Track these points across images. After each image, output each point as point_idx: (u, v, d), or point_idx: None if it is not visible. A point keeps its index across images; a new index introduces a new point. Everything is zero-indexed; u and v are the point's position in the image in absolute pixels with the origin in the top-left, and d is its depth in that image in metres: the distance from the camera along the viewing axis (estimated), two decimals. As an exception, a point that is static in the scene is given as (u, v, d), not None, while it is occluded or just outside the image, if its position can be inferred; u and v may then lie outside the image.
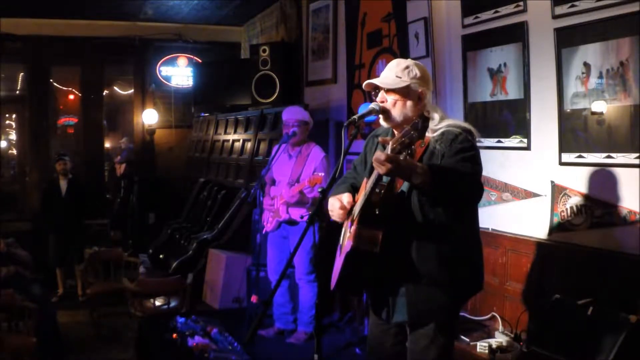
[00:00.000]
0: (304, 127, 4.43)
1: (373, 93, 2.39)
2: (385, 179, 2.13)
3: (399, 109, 2.30)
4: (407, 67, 2.32)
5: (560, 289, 3.18)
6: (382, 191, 2.15)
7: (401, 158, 1.93)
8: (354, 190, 2.50)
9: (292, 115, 4.41)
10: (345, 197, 2.39)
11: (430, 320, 2.29)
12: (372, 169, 2.31)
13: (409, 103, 2.30)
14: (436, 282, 2.23)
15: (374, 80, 2.33)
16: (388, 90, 2.31)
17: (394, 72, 2.32)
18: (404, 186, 2.23)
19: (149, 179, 8.37)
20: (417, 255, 2.22)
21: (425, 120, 1.89)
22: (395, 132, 2.37)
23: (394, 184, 2.20)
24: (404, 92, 2.30)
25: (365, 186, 2.23)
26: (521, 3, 3.56)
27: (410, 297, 2.27)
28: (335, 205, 2.40)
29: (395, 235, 2.19)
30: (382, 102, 2.33)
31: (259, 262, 4.35)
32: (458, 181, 2.11)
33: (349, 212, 2.40)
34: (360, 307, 4.61)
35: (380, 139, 2.24)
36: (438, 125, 2.26)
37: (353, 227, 2.22)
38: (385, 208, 2.16)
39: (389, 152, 1.93)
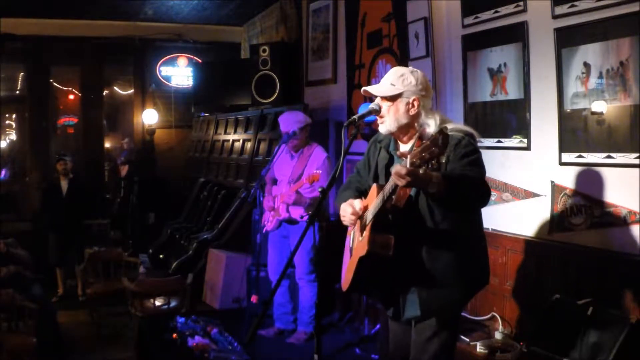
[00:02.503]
0: (303, 131, 4.42)
1: (370, 100, 2.48)
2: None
3: (392, 115, 2.38)
4: (402, 75, 2.39)
5: (560, 289, 3.18)
6: (395, 200, 2.24)
7: (421, 172, 1.98)
8: (360, 194, 2.57)
9: (288, 126, 4.37)
10: (358, 203, 2.44)
11: (441, 316, 2.38)
12: (377, 176, 2.48)
13: (401, 110, 2.37)
14: (446, 279, 2.32)
15: (369, 88, 2.43)
16: (383, 98, 2.40)
17: (389, 80, 2.40)
18: (412, 191, 2.30)
19: (149, 179, 8.37)
20: (428, 255, 2.31)
21: (445, 137, 1.93)
22: (397, 139, 2.46)
23: (405, 190, 2.26)
24: (397, 100, 2.37)
25: (377, 194, 2.30)
26: (521, 3, 3.56)
27: (421, 295, 2.35)
28: (348, 210, 2.45)
29: (405, 238, 2.27)
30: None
31: (259, 262, 4.35)
32: (470, 188, 2.20)
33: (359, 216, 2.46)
34: (361, 308, 4.62)
35: (398, 152, 2.37)
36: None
37: (366, 233, 2.29)
38: (397, 215, 2.24)
39: (407, 165, 1.98)
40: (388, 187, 2.19)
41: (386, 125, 2.40)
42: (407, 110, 2.36)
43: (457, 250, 2.32)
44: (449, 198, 2.14)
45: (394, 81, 2.38)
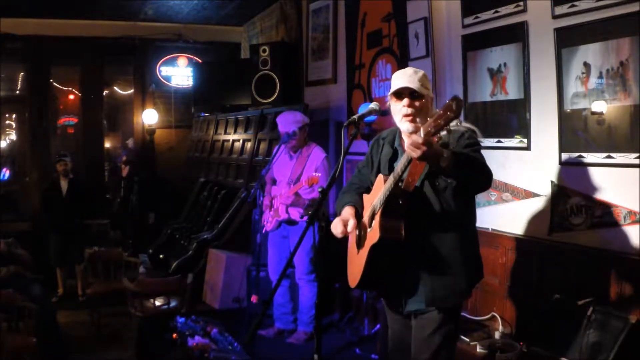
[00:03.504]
0: (302, 131, 4.42)
1: (393, 98, 2.44)
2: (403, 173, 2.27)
3: (424, 113, 2.41)
4: (424, 76, 2.46)
5: (560, 289, 3.18)
6: (405, 185, 2.30)
7: (435, 140, 2.05)
8: (360, 197, 2.59)
9: (287, 127, 4.38)
10: (351, 222, 2.47)
11: (445, 305, 2.41)
12: (379, 171, 2.52)
13: (429, 107, 2.45)
14: (451, 267, 2.38)
15: (413, 85, 2.39)
16: (415, 96, 2.40)
17: (416, 79, 2.41)
18: (417, 181, 2.36)
19: (149, 179, 8.37)
20: (433, 241, 2.38)
21: (459, 101, 1.97)
22: (403, 135, 2.49)
23: (412, 176, 2.32)
24: (427, 98, 2.43)
25: (384, 183, 2.35)
26: (521, 3, 3.56)
27: (427, 284, 2.40)
28: (338, 229, 2.50)
29: (412, 227, 2.32)
30: (409, 106, 2.39)
31: (259, 262, 4.35)
32: (476, 167, 2.26)
33: (359, 217, 2.51)
34: (361, 307, 4.62)
35: (412, 126, 2.37)
36: None
37: (376, 220, 2.33)
38: (407, 199, 2.30)
39: (422, 134, 2.03)
40: (400, 165, 2.25)
41: (416, 122, 2.42)
42: (429, 107, 2.44)
43: (460, 239, 2.40)
44: (458, 173, 2.19)
45: (422, 81, 2.42)
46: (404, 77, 2.42)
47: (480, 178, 2.31)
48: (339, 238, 2.53)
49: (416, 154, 2.06)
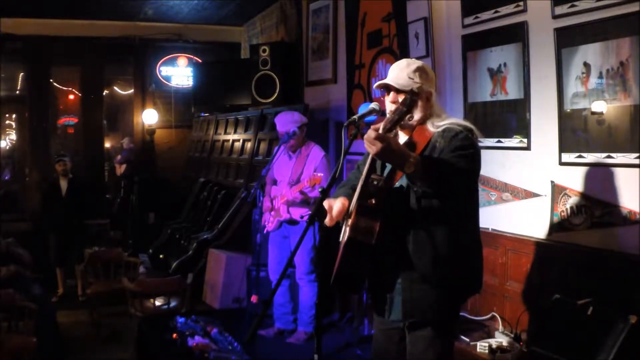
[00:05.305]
0: (301, 130, 4.42)
1: (385, 94, 2.38)
2: (385, 171, 2.15)
3: (415, 108, 2.26)
4: (418, 69, 2.32)
5: (560, 289, 3.18)
6: (379, 183, 2.16)
7: (392, 136, 1.95)
8: (354, 192, 2.49)
9: (287, 126, 4.38)
10: (337, 206, 2.31)
11: (424, 317, 2.28)
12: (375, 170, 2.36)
13: (419, 103, 2.28)
14: (431, 278, 2.23)
15: (389, 81, 2.32)
16: (400, 91, 2.30)
17: (405, 73, 2.31)
18: (402, 181, 2.25)
19: (149, 179, 8.37)
20: (414, 249, 2.22)
21: (414, 94, 1.93)
22: (401, 132, 2.36)
23: (392, 174, 2.21)
24: (420, 92, 2.28)
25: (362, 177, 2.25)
26: (521, 3, 3.56)
27: (405, 294, 2.27)
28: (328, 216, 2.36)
29: (392, 230, 2.19)
30: (394, 102, 2.30)
31: (259, 262, 4.35)
32: (449, 175, 2.11)
33: (346, 212, 2.38)
34: (360, 307, 4.62)
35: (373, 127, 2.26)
36: (441, 122, 2.28)
37: (351, 218, 2.21)
38: (381, 199, 2.15)
39: (380, 131, 1.95)
40: (368, 162, 2.14)
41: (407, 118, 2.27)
42: (424, 103, 2.29)
43: (444, 249, 2.20)
44: (425, 181, 2.07)
45: (411, 75, 2.30)
46: (394, 71, 2.34)
47: (453, 188, 2.14)
48: (327, 224, 2.36)
49: (372, 150, 1.98)
